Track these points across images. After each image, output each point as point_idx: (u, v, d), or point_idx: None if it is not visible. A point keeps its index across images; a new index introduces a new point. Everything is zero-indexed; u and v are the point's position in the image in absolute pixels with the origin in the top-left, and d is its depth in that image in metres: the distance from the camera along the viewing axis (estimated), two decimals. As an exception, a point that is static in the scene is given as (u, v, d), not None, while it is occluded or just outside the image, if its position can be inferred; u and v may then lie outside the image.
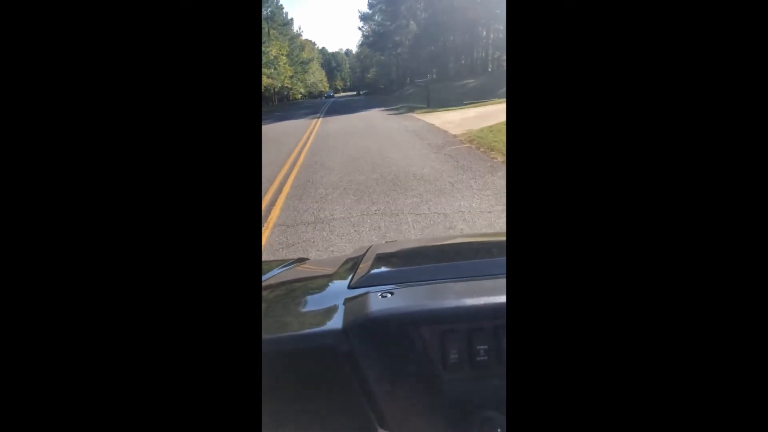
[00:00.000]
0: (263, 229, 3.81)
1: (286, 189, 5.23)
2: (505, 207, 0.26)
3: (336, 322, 0.55)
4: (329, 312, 0.62)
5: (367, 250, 0.92)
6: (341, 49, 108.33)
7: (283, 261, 1.06)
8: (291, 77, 51.16)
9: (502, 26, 31.00)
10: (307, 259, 1.19)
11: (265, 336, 0.55)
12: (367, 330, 0.51)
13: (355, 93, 65.51)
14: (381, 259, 0.85)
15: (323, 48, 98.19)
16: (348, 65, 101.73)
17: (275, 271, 0.96)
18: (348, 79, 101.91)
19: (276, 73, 39.31)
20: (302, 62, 56.53)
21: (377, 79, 61.75)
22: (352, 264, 0.84)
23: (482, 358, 0.49)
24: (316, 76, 66.43)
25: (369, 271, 0.73)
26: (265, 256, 3.08)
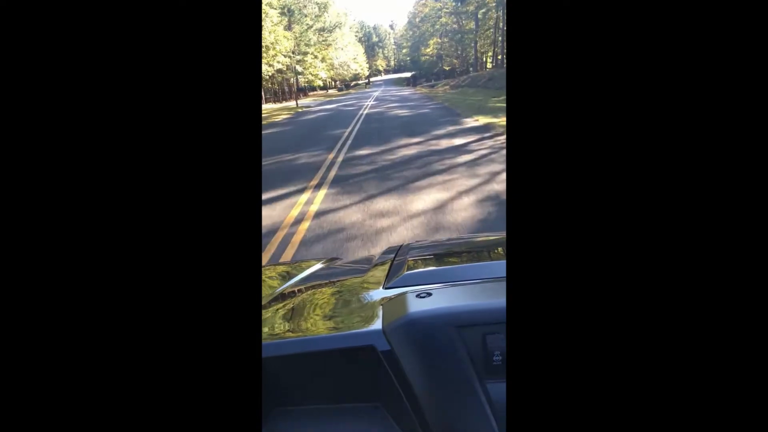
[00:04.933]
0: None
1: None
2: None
3: (375, 323, 0.55)
4: (367, 312, 0.63)
5: (399, 250, 0.94)
6: (382, 24, 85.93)
7: (316, 261, 1.08)
8: (296, 54, 29.64)
9: None
10: (339, 258, 1.19)
11: (304, 336, 0.58)
12: (407, 331, 0.50)
13: (408, 77, 42.71)
14: (415, 259, 0.86)
15: (362, 22, 75.74)
16: (393, 40, 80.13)
17: (309, 271, 0.98)
18: (392, 58, 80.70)
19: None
20: (322, 29, 34.86)
21: (439, 57, 38.80)
22: (385, 264, 0.85)
23: None
24: (349, 53, 44.15)
25: (404, 272, 0.74)
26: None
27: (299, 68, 31.88)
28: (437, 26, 37.39)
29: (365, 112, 13.08)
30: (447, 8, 33.11)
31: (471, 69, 33.76)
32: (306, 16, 31.95)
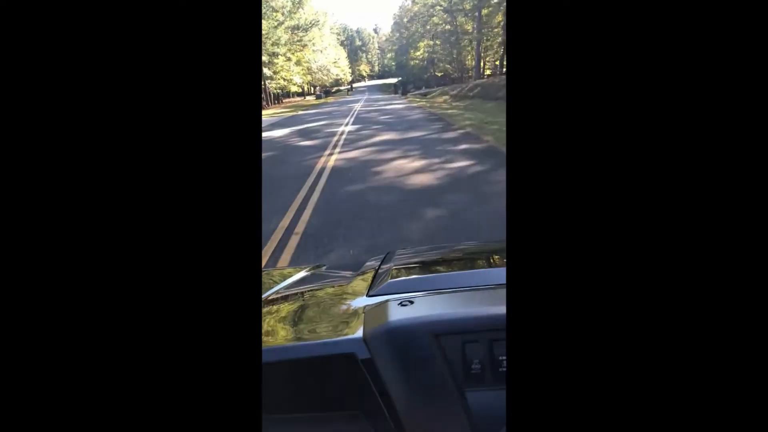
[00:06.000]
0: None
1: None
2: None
3: (356, 330, 0.55)
4: (349, 320, 0.63)
5: (385, 257, 0.94)
6: (366, 27, 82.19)
7: (301, 268, 1.07)
8: (263, 55, 24.61)
9: None
10: (324, 265, 1.17)
11: (286, 344, 0.59)
12: (387, 338, 0.51)
13: (394, 83, 37.92)
14: (399, 266, 0.86)
15: (345, 26, 71.36)
16: (377, 45, 76.11)
17: (294, 278, 0.97)
18: (376, 63, 76.65)
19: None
20: (296, 27, 29.90)
21: (430, 61, 34.28)
22: (370, 271, 0.86)
23: (504, 368, 0.49)
24: (329, 55, 39.34)
25: (388, 279, 0.73)
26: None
27: (268, 72, 26.87)
28: (428, 26, 32.84)
29: (333, 162, 5.73)
30: (441, 5, 28.56)
31: (470, 75, 29.28)
32: (276, 11, 26.96)
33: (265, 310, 0.76)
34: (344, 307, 0.73)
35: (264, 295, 0.85)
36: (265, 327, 0.67)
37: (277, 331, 0.66)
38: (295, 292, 0.88)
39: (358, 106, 18.01)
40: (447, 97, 18.92)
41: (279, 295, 0.85)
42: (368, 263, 0.95)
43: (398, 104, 17.66)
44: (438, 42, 32.66)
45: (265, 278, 1.05)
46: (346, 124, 10.76)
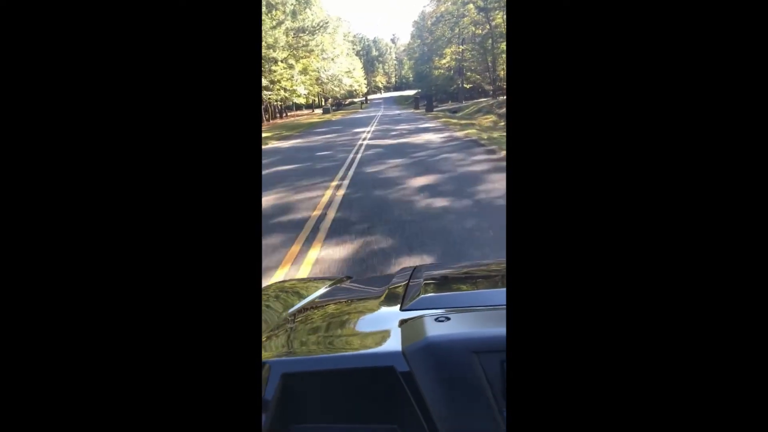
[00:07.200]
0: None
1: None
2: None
3: (394, 344, 0.56)
4: (385, 333, 0.64)
5: (413, 272, 0.96)
6: (383, 38, 78.29)
7: (329, 279, 1.10)
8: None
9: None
10: (351, 277, 1.20)
11: (323, 354, 0.60)
12: (427, 353, 0.51)
13: (413, 95, 32.86)
14: (431, 281, 0.87)
15: (361, 35, 67.27)
16: (394, 55, 71.72)
17: (323, 290, 1.00)
18: (393, 74, 72.12)
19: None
20: (300, 30, 25.20)
21: (458, 71, 29.06)
22: (400, 285, 0.87)
23: None
24: (341, 65, 34.53)
25: (420, 294, 0.75)
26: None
27: (264, 81, 22.15)
28: (456, 30, 27.73)
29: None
30: (476, 2, 23.45)
31: (505, 87, 23.85)
32: (274, 8, 22.28)
33: (299, 320, 0.78)
34: (378, 320, 0.73)
35: (296, 306, 0.88)
36: (300, 337, 0.70)
37: (314, 341, 0.67)
38: (326, 302, 0.90)
39: (367, 134, 11.73)
40: (494, 117, 13.46)
41: (312, 306, 0.87)
42: (396, 278, 0.94)
43: (430, 130, 11.67)
44: (468, 47, 27.46)
45: (294, 289, 1.07)
46: (311, 235, 3.21)
